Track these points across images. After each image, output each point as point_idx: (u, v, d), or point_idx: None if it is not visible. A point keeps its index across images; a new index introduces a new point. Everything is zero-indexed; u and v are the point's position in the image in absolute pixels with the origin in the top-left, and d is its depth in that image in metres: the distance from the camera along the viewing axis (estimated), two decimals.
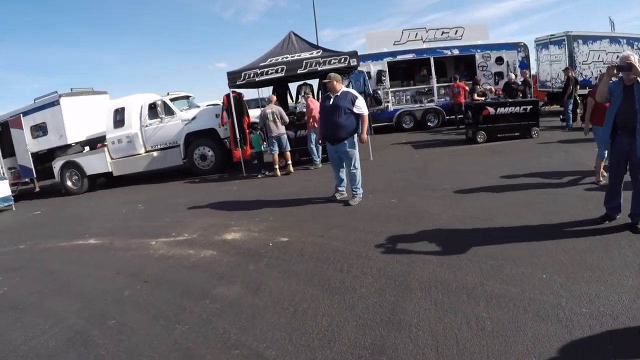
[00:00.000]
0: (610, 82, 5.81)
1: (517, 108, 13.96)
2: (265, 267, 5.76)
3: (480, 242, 5.68)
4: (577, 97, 16.79)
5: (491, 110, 13.75)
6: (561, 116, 17.12)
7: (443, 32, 19.38)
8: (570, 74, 16.18)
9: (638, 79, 5.56)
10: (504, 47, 19.42)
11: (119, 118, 14.54)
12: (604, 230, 5.79)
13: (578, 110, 17.19)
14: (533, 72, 22.00)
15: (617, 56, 20.93)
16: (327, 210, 8.08)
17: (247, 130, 13.50)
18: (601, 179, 8.01)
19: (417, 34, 19.22)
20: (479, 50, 19.12)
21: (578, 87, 16.34)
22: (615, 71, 5.57)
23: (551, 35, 20.70)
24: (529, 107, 14.07)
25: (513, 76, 16.96)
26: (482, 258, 5.17)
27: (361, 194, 8.38)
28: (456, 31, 19.40)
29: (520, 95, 15.87)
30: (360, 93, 9.34)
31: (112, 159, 14.69)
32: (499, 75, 19.02)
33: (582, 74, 19.34)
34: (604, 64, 19.96)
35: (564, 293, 4.20)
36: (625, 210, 5.93)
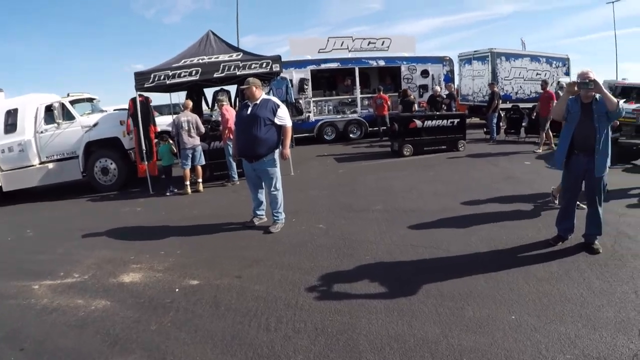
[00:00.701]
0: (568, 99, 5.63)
1: (445, 121, 13.91)
2: (170, 326, 4.44)
3: (429, 277, 5.00)
4: (501, 111, 17.32)
5: (418, 123, 13.54)
6: (485, 129, 17.55)
7: (370, 42, 19.10)
8: (495, 89, 16.64)
9: (597, 96, 5.47)
10: (429, 60, 19.64)
11: (10, 122, 12.03)
12: (560, 254, 5.60)
13: (501, 124, 17.85)
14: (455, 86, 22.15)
15: (543, 75, 22.14)
16: (244, 240, 6.91)
17: (155, 141, 11.99)
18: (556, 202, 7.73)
19: (343, 42, 18.77)
20: (404, 63, 19.18)
21: (500, 101, 16.72)
22: (576, 88, 5.36)
23: (475, 51, 21.46)
24: (456, 121, 14.10)
25: (438, 89, 17.10)
26: (437, 299, 4.48)
27: (283, 219, 7.32)
28: (383, 42, 19.21)
29: (445, 108, 16.05)
30: (282, 102, 8.34)
31: (1, 170, 12.14)
32: (424, 88, 19.20)
33: (503, 89, 20.01)
34: (524, 80, 20.42)
35: (540, 337, 3.70)
36: (577, 230, 5.84)
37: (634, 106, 12.99)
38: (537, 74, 21.30)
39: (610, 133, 5.55)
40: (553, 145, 13.29)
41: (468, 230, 6.51)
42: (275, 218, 7.21)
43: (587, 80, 5.22)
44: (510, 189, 8.95)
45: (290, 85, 16.45)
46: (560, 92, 17.84)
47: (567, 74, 22.99)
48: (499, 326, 3.89)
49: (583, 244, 5.77)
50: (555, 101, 13.32)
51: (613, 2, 50.11)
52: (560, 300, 4.33)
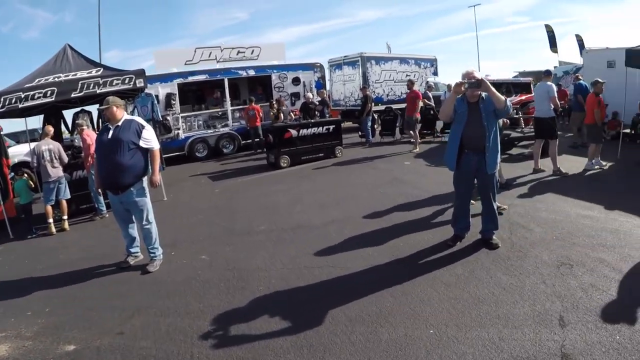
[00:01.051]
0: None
1: (320, 128, 13.68)
2: None
3: (333, 301, 4.56)
4: (374, 114, 17.70)
5: (293, 132, 13.16)
6: (360, 132, 17.79)
7: (239, 52, 18.33)
8: (367, 93, 16.90)
9: (483, 95, 5.50)
10: (300, 67, 19.38)
11: None
12: (461, 254, 5.58)
13: (376, 126, 18.22)
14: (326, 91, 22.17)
15: (413, 76, 22.81)
16: (121, 284, 5.78)
17: (9, 176, 10.05)
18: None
19: (211, 53, 17.78)
20: (275, 71, 18.70)
21: (372, 104, 16.96)
22: (462, 88, 5.31)
23: (345, 56, 21.71)
24: (331, 127, 13.95)
25: (310, 96, 16.97)
26: (347, 325, 4.04)
27: (161, 255, 6.33)
28: (252, 51, 18.53)
29: (318, 115, 15.80)
30: (148, 121, 7.42)
31: None
32: (296, 95, 18.92)
33: (375, 92, 20.44)
34: (395, 82, 20.77)
35: (465, 348, 3.51)
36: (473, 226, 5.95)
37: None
38: (407, 75, 22.00)
39: (498, 130, 5.64)
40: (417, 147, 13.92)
41: (363, 242, 6.24)
42: (152, 255, 6.19)
43: (474, 80, 5.23)
44: (397, 191, 8.97)
45: (156, 102, 15.12)
46: (429, 93, 18.53)
47: (435, 74, 24.00)
48: (420, 344, 3.61)
49: (481, 240, 5.86)
50: (421, 100, 13.95)
51: (474, 6, 54.07)
52: (474, 304, 4.21)
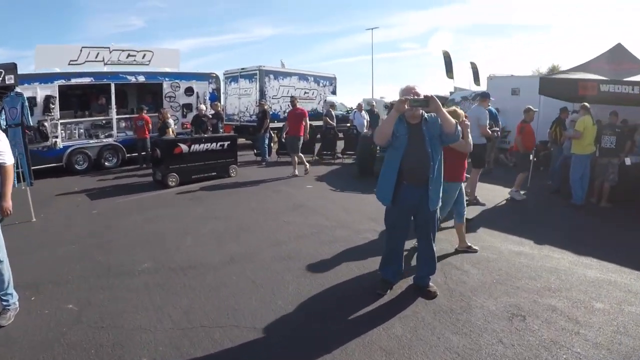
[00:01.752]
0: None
1: (214, 144, 12.55)
2: None
3: None
4: (272, 131, 17.09)
5: (184, 147, 11.86)
6: (255, 150, 16.99)
7: (129, 55, 16.41)
8: (265, 107, 16.13)
9: (425, 115, 4.74)
10: (194, 77, 17.92)
11: None
12: (395, 306, 4.82)
13: (272, 144, 17.48)
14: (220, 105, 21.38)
15: (312, 94, 22.68)
16: None
17: None
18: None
19: (98, 53, 15.59)
20: (167, 79, 17.05)
21: (269, 120, 16.28)
22: (406, 106, 4.43)
23: (242, 68, 20.80)
24: (226, 143, 12.86)
25: (203, 108, 15.84)
26: None
27: (16, 302, 4.74)
28: (144, 55, 16.74)
29: (211, 129, 14.87)
30: (16, 125, 6.28)
31: None
32: (188, 107, 17.39)
33: (272, 108, 19.70)
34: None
35: None
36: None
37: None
38: (305, 92, 21.65)
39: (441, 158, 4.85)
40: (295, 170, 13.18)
41: (272, 289, 5.24)
42: (5, 303, 4.59)
43: (423, 97, 4.42)
44: (304, 221, 8.20)
45: (26, 104, 13.01)
46: (332, 112, 18.29)
47: (334, 93, 23.82)
48: None
49: (414, 286, 5.18)
50: (307, 118, 13.25)
51: (372, 29, 55.63)
52: None
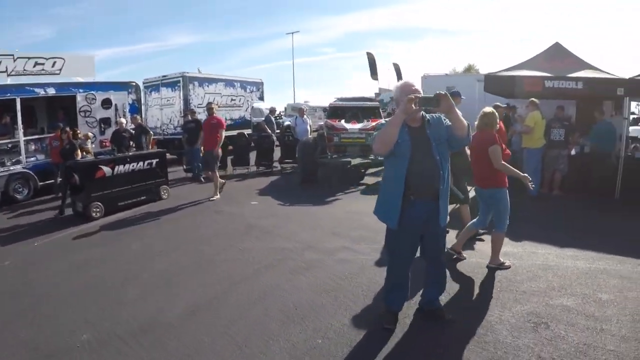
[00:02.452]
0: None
1: (141, 163, 10.93)
2: None
3: None
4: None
5: (107, 170, 10.12)
6: (185, 166, 15.17)
7: (37, 63, 13.69)
8: (196, 117, 14.67)
9: (427, 117, 4.06)
10: (112, 87, 15.72)
11: None
12: (412, 341, 4.19)
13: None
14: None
15: (238, 100, 21.37)
16: None
17: None
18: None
19: (1, 62, 13.18)
20: (81, 90, 14.55)
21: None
22: (416, 105, 3.71)
23: (164, 76, 19.16)
24: (155, 161, 11.29)
25: (123, 122, 13.93)
26: None
27: None
28: (54, 63, 14.18)
29: (134, 146, 13.20)
30: None
31: None
32: (106, 122, 15.15)
33: (198, 117, 17.88)
34: (219, 107, 19.11)
35: None
36: None
37: (358, 126, 13.03)
38: (232, 99, 20.40)
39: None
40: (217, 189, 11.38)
41: (258, 348, 4.12)
42: None
43: (435, 95, 3.66)
44: (263, 245, 7.19)
45: None
46: (272, 117, 17.18)
47: (262, 98, 22.65)
48: None
49: (426, 312, 4.53)
50: (224, 130, 11.47)
51: (292, 34, 54.62)
52: None
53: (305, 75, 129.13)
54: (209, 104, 12.73)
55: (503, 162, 5.60)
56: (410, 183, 3.92)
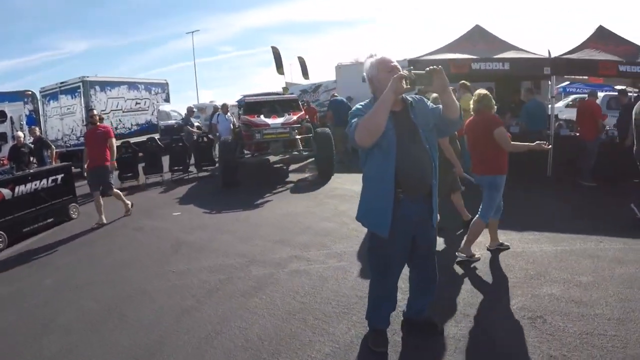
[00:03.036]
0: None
1: (45, 181, 9.34)
2: None
3: None
4: None
5: (6, 192, 8.46)
6: None
7: None
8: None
9: (410, 98, 3.42)
10: (6, 97, 14.17)
11: None
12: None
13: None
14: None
15: (143, 104, 19.84)
16: None
17: None
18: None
19: None
20: None
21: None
22: (406, 84, 3.01)
23: (62, 82, 17.02)
24: (60, 177, 9.73)
25: (21, 135, 12.26)
26: None
27: None
28: None
29: (35, 161, 11.77)
30: None
31: None
32: (2, 137, 13.78)
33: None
34: (124, 112, 17.70)
35: None
36: None
37: (280, 120, 12.06)
38: (137, 103, 18.77)
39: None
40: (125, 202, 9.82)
41: None
42: None
43: (427, 71, 3.02)
44: (198, 266, 6.15)
45: None
46: (192, 120, 15.87)
47: (167, 100, 21.25)
48: None
49: (410, 321, 3.92)
50: (113, 139, 9.44)
51: (192, 33, 52.30)
52: None
53: (207, 75, 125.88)
54: (91, 110, 11.10)
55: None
56: (399, 180, 3.24)
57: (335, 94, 15.56)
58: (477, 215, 5.55)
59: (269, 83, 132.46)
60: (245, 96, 29.35)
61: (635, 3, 65.62)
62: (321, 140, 11.70)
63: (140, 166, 13.74)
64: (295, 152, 12.13)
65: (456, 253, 5.61)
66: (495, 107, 5.57)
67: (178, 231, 8.05)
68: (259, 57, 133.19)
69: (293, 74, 34.05)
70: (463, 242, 5.70)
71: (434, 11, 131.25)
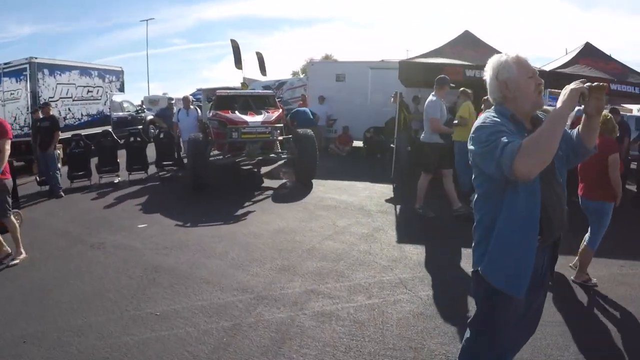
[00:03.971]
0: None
1: None
2: None
3: None
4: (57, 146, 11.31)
5: None
6: (37, 177, 11.02)
7: None
8: (52, 113, 11.21)
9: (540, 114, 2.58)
10: None
11: None
12: None
13: (59, 165, 11.41)
14: None
15: (96, 92, 17.56)
16: None
17: None
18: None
19: None
20: None
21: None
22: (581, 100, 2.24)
23: (6, 64, 14.55)
24: None
25: None
26: None
27: None
28: None
29: None
30: None
31: None
32: None
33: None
34: (74, 100, 15.61)
35: None
36: None
37: (259, 118, 10.50)
38: (89, 91, 16.60)
39: None
40: None
41: None
42: None
43: (600, 85, 2.28)
44: (191, 304, 4.66)
45: None
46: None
47: (122, 89, 19.13)
48: None
49: None
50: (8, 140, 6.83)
51: (147, 21, 49.37)
52: None
53: (158, 67, 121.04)
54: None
55: None
56: (541, 222, 2.30)
57: (304, 92, 15.24)
58: (586, 244, 5.11)
59: (223, 78, 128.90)
60: (199, 90, 27.34)
61: None
62: (304, 143, 10.27)
63: (94, 163, 11.73)
64: (273, 155, 10.68)
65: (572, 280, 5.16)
66: (617, 132, 5.20)
67: (149, 251, 6.41)
68: (211, 51, 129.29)
69: (248, 70, 32.70)
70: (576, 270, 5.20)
71: (393, 10, 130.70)
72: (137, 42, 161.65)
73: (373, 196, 9.38)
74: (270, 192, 10.08)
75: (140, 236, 7.18)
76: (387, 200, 9.04)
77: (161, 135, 12.66)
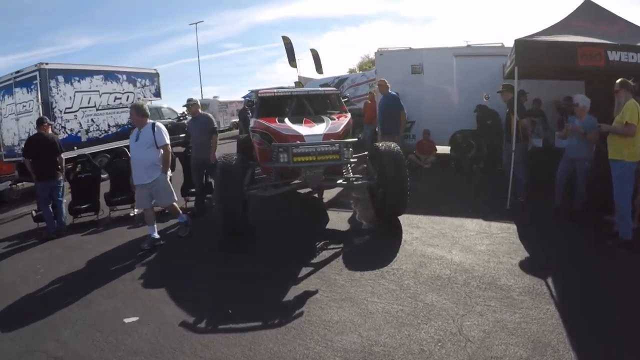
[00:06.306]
0: None
1: None
2: None
3: None
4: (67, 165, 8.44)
5: None
6: (34, 211, 8.03)
7: None
8: (50, 131, 8.11)
9: None
10: None
11: None
12: None
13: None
14: None
15: (125, 99, 14.10)
16: None
17: None
18: None
19: None
20: None
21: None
22: None
23: (17, 72, 11.84)
24: None
25: None
26: None
27: None
28: None
29: None
30: None
31: None
32: None
33: (65, 127, 11.81)
34: (98, 110, 12.72)
35: None
36: None
37: (320, 129, 6.87)
38: (117, 97, 13.48)
39: None
40: None
41: None
42: None
43: None
44: None
45: None
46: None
47: (158, 94, 15.76)
48: None
49: None
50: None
51: (196, 24, 46.82)
52: None
53: (211, 72, 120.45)
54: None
55: None
56: None
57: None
58: None
59: (277, 79, 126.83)
60: (252, 91, 23.59)
61: None
62: (389, 162, 6.49)
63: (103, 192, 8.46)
64: (344, 182, 7.00)
65: None
66: None
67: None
68: (264, 54, 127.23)
69: (303, 69, 31.09)
70: None
71: (439, 6, 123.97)
72: (191, 48, 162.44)
73: (498, 250, 5.57)
74: (340, 245, 6.22)
75: (119, 347, 3.88)
76: (523, 266, 5.08)
77: (189, 152, 8.70)
